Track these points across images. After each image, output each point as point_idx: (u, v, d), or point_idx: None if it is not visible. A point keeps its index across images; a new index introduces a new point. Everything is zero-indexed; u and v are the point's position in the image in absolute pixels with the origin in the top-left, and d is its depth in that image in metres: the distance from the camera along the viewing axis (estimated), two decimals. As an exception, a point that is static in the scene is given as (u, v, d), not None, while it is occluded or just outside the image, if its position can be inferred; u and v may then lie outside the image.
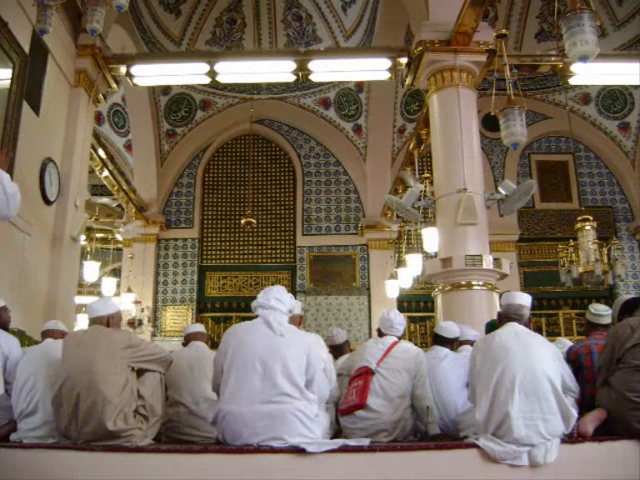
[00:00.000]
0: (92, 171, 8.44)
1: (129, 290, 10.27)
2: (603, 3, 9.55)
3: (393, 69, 6.78)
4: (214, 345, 3.60)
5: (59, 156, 6.09)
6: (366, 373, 3.22)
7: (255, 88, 10.80)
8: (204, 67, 6.84)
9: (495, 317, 3.67)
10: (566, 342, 3.95)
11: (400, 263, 9.44)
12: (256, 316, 2.95)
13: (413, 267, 8.54)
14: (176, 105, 11.01)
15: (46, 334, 3.62)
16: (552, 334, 9.93)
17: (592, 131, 11.14)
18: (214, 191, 11.66)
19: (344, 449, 2.63)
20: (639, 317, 3.03)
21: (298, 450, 2.55)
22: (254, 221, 9.25)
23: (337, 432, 3.24)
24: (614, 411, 2.84)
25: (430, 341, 8.79)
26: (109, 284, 9.99)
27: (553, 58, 6.82)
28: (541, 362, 2.78)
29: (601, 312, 3.38)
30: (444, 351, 3.63)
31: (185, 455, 2.66)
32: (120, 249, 11.56)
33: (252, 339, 2.79)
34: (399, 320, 3.48)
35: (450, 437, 3.19)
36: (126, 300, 10.05)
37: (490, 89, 5.45)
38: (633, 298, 3.24)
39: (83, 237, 7.78)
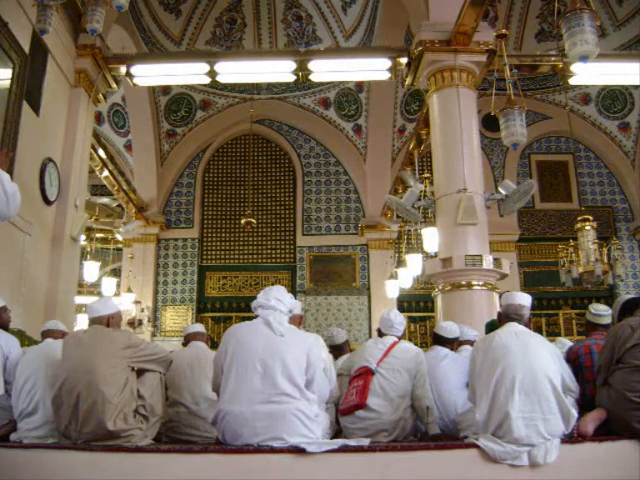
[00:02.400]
0: (92, 171, 8.44)
1: (129, 290, 10.28)
2: (603, 3, 9.55)
3: (393, 69, 6.78)
4: (214, 345, 3.61)
5: (59, 156, 6.10)
6: (366, 373, 3.22)
7: (255, 88, 10.80)
8: (204, 67, 6.84)
9: (495, 317, 3.67)
10: (566, 342, 3.95)
11: (400, 263, 9.43)
12: (256, 316, 2.95)
13: (413, 267, 8.53)
14: (176, 105, 11.01)
15: (46, 334, 3.62)
16: (552, 334, 9.94)
17: (592, 131, 11.14)
18: (214, 191, 11.66)
19: (344, 449, 2.63)
20: (639, 317, 3.02)
21: (298, 450, 2.55)
22: (254, 221, 9.25)
23: (337, 432, 3.24)
24: (614, 411, 2.84)
25: (430, 341, 8.80)
26: (109, 284, 9.99)
27: (553, 58, 6.82)
28: (541, 362, 2.78)
29: (601, 312, 3.38)
30: (444, 351, 3.63)
31: (185, 455, 2.66)
32: (120, 249, 11.57)
33: (252, 339, 2.79)
34: (399, 320, 3.48)
35: (450, 437, 3.19)
36: (126, 300, 10.06)
37: (490, 89, 5.46)
38: (633, 298, 3.24)
39: (83, 237, 7.78)
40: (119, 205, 11.43)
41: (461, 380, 3.44)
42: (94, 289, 10.81)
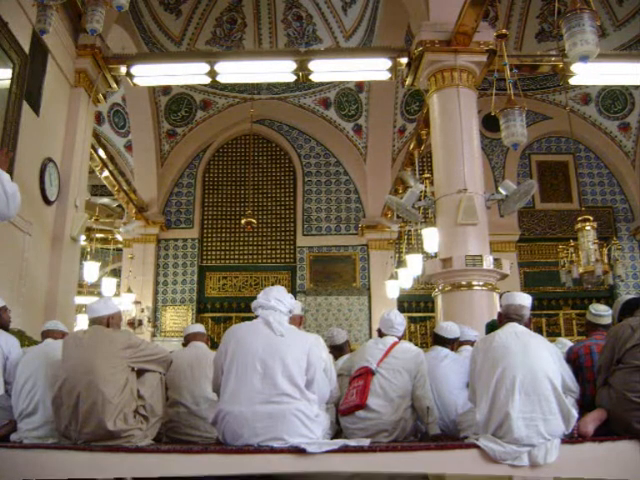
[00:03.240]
0: (92, 171, 8.43)
1: (129, 290, 10.28)
2: (603, 3, 9.55)
3: (393, 69, 6.78)
4: (214, 345, 3.61)
5: (59, 156, 6.09)
6: (366, 373, 3.22)
7: (255, 88, 10.80)
8: (204, 67, 6.83)
9: (495, 317, 3.67)
10: (566, 342, 3.96)
11: (400, 263, 9.43)
12: (256, 316, 2.95)
13: (413, 267, 8.53)
14: (176, 105, 11.01)
15: (46, 334, 3.61)
16: (552, 334, 9.93)
17: (592, 131, 11.14)
18: (214, 191, 11.66)
19: (344, 449, 2.62)
20: (639, 317, 3.02)
21: (298, 450, 2.55)
22: (254, 221, 9.24)
23: (337, 432, 3.24)
24: (614, 411, 2.84)
25: (430, 341, 8.80)
26: (109, 284, 9.99)
27: (553, 58, 6.82)
28: (541, 362, 2.77)
29: (601, 312, 3.38)
30: (444, 351, 3.63)
31: (185, 455, 2.66)
32: (120, 249, 11.56)
33: (252, 339, 2.79)
34: (399, 320, 3.48)
35: (450, 437, 3.19)
36: (126, 300, 10.06)
37: (490, 89, 5.46)
38: (634, 298, 3.24)
39: (83, 237, 7.77)
40: (119, 205, 11.43)
41: (461, 380, 3.44)
42: (94, 289, 10.80)
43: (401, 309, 9.91)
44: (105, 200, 12.14)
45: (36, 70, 5.51)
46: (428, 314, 10.63)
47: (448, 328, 3.76)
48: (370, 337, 10.10)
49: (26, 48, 5.24)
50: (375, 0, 9.01)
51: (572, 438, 2.74)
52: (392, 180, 10.45)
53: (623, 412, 2.79)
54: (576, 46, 3.55)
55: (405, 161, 9.39)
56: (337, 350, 4.09)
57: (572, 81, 7.22)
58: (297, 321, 3.30)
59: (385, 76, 7.00)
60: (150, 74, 7.08)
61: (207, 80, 7.16)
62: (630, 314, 3.12)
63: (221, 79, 7.12)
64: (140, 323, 10.35)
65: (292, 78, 7.08)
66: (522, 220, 11.16)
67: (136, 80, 7.05)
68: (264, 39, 10.53)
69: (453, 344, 3.74)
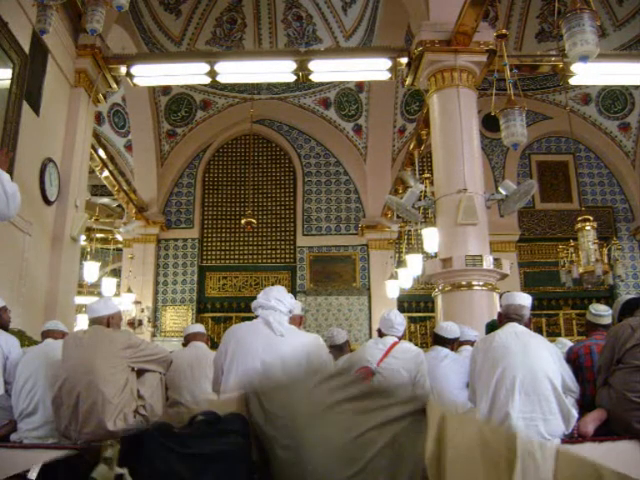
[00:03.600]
0: (92, 171, 8.44)
1: (129, 290, 10.28)
2: (603, 3, 9.55)
3: (393, 69, 6.78)
4: (214, 345, 3.60)
5: (59, 156, 6.09)
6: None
7: (255, 88, 10.80)
8: (204, 67, 6.83)
9: (495, 317, 3.67)
10: (566, 342, 3.96)
11: (400, 263, 9.43)
12: (256, 316, 2.94)
13: (413, 267, 8.53)
14: (176, 105, 11.01)
15: (46, 334, 3.62)
16: (552, 334, 9.93)
17: (592, 131, 11.14)
18: (214, 191, 11.66)
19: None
20: (639, 317, 3.02)
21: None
22: (254, 221, 9.23)
23: (337, 432, 3.23)
24: (614, 411, 2.84)
25: (430, 341, 8.80)
26: (109, 284, 9.99)
27: (553, 58, 6.81)
28: (541, 362, 2.78)
29: (601, 312, 3.38)
30: (444, 351, 3.63)
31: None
32: (120, 249, 11.56)
33: (252, 339, 2.79)
34: (399, 320, 3.48)
35: (450, 437, 3.18)
36: (126, 300, 10.06)
37: (490, 89, 5.46)
38: (634, 298, 3.24)
39: (83, 237, 7.77)
40: (119, 205, 11.43)
41: (461, 380, 3.44)
42: (94, 289, 10.80)
43: (401, 309, 9.91)
44: (105, 200, 12.15)
45: (36, 70, 5.51)
46: (428, 314, 10.63)
47: (448, 328, 3.77)
48: (370, 337, 10.10)
49: (26, 48, 5.24)
50: (375, 0, 9.01)
51: (572, 438, 2.74)
52: (392, 180, 10.45)
53: (623, 412, 2.79)
54: (576, 46, 3.55)
55: (405, 161, 9.39)
56: (337, 350, 4.09)
57: (572, 81, 7.22)
58: (297, 321, 3.29)
59: (385, 76, 7.00)
60: (150, 74, 7.08)
61: (207, 80, 7.15)
62: (630, 314, 3.12)
63: (221, 79, 7.12)
64: (140, 323, 10.35)
65: (292, 78, 7.08)
66: (522, 220, 11.16)
67: (136, 80, 7.05)
68: (264, 39, 10.53)
69: (453, 344, 3.74)
